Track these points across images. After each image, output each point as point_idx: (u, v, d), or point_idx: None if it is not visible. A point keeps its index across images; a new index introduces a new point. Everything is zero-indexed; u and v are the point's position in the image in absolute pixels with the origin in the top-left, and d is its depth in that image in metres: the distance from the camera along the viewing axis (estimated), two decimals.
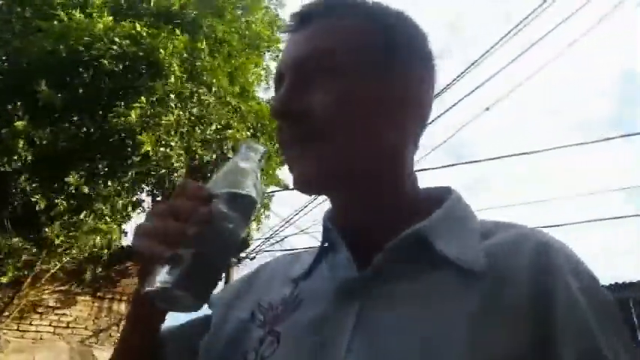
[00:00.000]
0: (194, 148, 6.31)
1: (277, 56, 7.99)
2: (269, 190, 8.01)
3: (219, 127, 6.47)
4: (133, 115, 5.66)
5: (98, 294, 8.47)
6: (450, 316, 0.59)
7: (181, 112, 6.08)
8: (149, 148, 5.74)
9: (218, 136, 6.50)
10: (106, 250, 6.59)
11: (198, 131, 6.31)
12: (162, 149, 5.93)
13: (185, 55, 6.16)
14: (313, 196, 9.88)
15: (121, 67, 5.86)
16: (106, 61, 5.76)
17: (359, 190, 0.71)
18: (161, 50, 5.84)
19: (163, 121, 5.87)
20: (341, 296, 0.67)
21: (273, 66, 8.13)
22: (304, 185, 0.71)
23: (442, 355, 0.56)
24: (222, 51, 6.76)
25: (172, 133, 6.00)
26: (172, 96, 5.99)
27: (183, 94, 6.12)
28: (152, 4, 6.63)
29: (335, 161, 0.67)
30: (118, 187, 6.23)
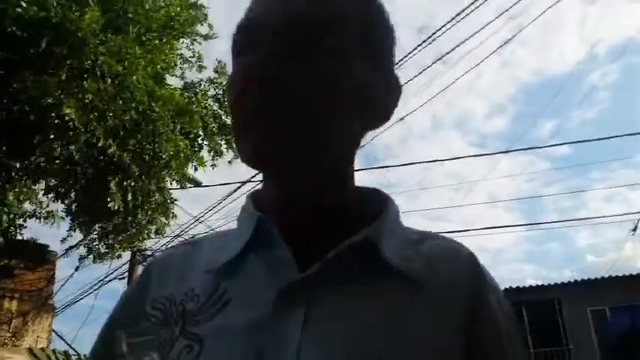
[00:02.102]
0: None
1: (194, 41, 7.84)
2: (179, 187, 7.79)
3: (139, 109, 6.17)
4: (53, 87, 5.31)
5: None
6: (396, 324, 0.59)
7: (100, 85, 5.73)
8: (73, 117, 5.37)
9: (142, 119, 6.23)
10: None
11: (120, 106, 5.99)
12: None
13: (98, 30, 5.79)
14: (224, 194, 9.75)
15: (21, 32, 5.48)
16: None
17: (314, 178, 0.66)
18: (74, 20, 5.47)
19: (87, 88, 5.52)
20: (281, 300, 0.59)
21: (187, 54, 7.98)
22: (261, 158, 0.63)
23: None
24: (133, 30, 6.42)
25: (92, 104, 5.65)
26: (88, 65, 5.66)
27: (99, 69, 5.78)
28: None
29: (305, 138, 0.61)
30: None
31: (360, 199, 0.70)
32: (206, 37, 7.76)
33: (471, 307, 0.62)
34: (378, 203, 0.70)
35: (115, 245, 7.42)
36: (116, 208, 6.14)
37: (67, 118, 5.37)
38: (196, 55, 7.80)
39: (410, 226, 0.74)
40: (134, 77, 6.00)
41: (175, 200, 7.60)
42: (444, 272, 0.64)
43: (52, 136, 5.67)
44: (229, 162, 7.75)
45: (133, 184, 6.42)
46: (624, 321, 14.66)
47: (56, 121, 5.53)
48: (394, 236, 0.66)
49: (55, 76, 5.46)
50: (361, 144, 0.74)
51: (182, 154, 6.71)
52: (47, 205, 6.91)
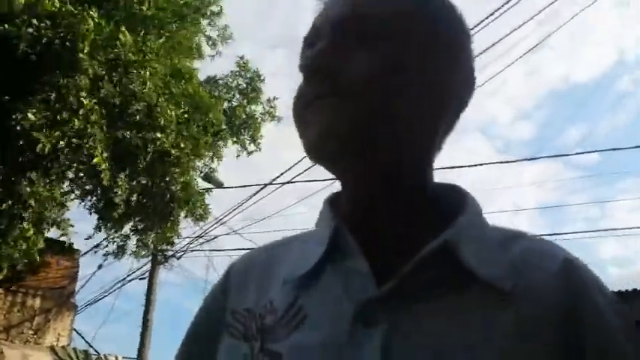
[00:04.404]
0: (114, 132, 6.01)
1: (211, 21, 7.90)
2: (204, 187, 7.82)
3: (144, 106, 6.15)
4: (31, 116, 5.25)
5: (11, 287, 7.95)
6: (485, 344, 0.54)
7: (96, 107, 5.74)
8: (48, 146, 5.35)
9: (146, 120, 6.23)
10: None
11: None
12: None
13: (105, 40, 5.82)
14: (248, 196, 9.81)
15: (34, 55, 5.47)
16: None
17: (385, 170, 0.63)
18: (80, 38, 5.47)
19: (76, 125, 5.52)
20: (358, 320, 0.56)
21: (213, 33, 8.07)
22: (323, 147, 0.61)
23: None
24: (152, 30, 6.47)
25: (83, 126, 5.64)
26: (84, 94, 5.63)
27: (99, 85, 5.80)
28: None
29: (367, 123, 0.59)
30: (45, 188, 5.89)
31: (438, 198, 0.65)
32: (219, 14, 7.87)
33: (568, 317, 0.56)
34: (457, 201, 0.65)
35: (149, 242, 7.44)
36: (123, 198, 6.14)
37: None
38: (220, 31, 7.88)
39: (496, 224, 0.68)
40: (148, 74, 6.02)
41: (208, 190, 7.63)
42: (534, 279, 0.58)
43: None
44: (249, 154, 7.83)
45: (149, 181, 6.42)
46: None
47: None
48: (477, 238, 0.61)
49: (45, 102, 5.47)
50: (440, 145, 0.69)
51: (192, 148, 6.68)
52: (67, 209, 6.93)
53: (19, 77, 5.57)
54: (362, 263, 0.58)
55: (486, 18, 6.73)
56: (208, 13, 7.80)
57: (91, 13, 5.66)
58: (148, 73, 6.07)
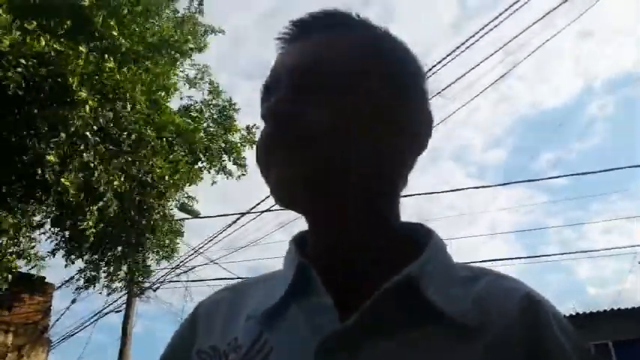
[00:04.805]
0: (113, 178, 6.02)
1: (190, 57, 7.98)
2: (180, 217, 7.78)
3: (133, 138, 6.20)
4: (52, 157, 5.32)
5: None
6: None
7: (99, 146, 5.80)
8: (72, 191, 5.41)
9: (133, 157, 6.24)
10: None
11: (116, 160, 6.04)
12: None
13: (92, 73, 5.85)
14: (226, 225, 9.70)
15: (23, 92, 5.49)
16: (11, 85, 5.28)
17: (348, 212, 0.64)
18: (69, 73, 5.51)
19: (85, 159, 5.56)
20: (321, 353, 0.57)
21: (191, 73, 8.14)
22: (284, 193, 0.63)
23: None
24: (129, 62, 6.51)
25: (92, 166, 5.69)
26: (88, 133, 5.70)
27: (97, 121, 5.83)
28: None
29: (327, 171, 0.61)
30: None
31: (403, 236, 0.67)
32: (200, 50, 7.92)
33: (530, 354, 0.57)
34: (422, 238, 0.66)
35: (120, 274, 7.35)
36: (91, 229, 6.10)
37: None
38: (201, 71, 7.96)
39: (461, 262, 0.69)
40: (130, 105, 6.05)
41: (183, 220, 7.60)
42: (496, 315, 0.59)
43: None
44: (237, 178, 7.86)
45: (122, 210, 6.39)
46: (628, 355, 14.42)
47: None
48: (440, 274, 0.62)
49: (55, 138, 5.51)
50: (405, 180, 0.71)
51: (178, 176, 6.68)
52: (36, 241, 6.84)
53: (16, 114, 5.60)
54: (325, 299, 0.59)
55: (457, 48, 6.93)
56: (189, 50, 7.84)
57: (80, 49, 5.73)
58: (130, 103, 6.10)
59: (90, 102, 5.60)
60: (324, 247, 0.66)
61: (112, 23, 6.46)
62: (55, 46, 5.62)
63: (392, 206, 0.68)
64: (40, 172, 5.48)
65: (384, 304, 0.57)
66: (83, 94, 5.54)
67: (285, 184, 0.62)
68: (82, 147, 5.69)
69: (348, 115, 0.62)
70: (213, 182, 7.94)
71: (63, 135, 5.48)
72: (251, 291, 0.72)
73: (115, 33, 6.45)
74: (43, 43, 5.52)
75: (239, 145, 8.07)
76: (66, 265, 7.18)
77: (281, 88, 0.65)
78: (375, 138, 0.63)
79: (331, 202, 0.63)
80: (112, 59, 6.03)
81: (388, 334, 0.57)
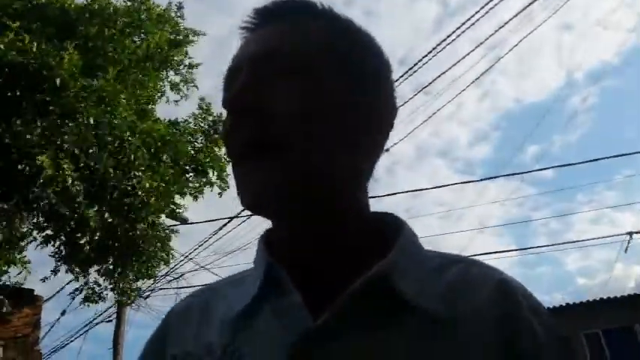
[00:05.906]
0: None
1: (177, 71, 7.91)
2: (169, 223, 7.70)
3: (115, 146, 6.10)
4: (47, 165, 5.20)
5: None
6: None
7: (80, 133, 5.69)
8: (50, 172, 5.28)
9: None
10: None
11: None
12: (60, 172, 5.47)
13: (77, 72, 5.77)
14: (211, 230, 9.63)
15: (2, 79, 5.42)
16: None
17: (317, 215, 0.63)
18: (54, 65, 5.43)
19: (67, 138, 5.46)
20: (294, 353, 0.56)
21: (175, 79, 8.05)
22: (256, 203, 0.62)
23: None
24: (114, 71, 6.42)
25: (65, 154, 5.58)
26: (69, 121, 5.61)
27: (78, 113, 5.74)
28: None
29: (294, 178, 0.59)
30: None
31: (374, 228, 0.67)
32: (190, 67, 7.83)
33: (504, 340, 0.57)
34: (393, 230, 0.66)
35: (119, 284, 7.26)
36: (87, 239, 6.01)
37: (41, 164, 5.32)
38: (186, 79, 7.85)
39: (433, 249, 0.69)
40: (114, 114, 5.95)
41: (175, 231, 7.52)
42: (469, 303, 0.59)
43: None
44: (219, 194, 7.72)
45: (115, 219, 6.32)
46: (618, 343, 14.58)
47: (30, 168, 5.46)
48: (412, 266, 0.62)
49: (33, 123, 5.40)
50: (371, 172, 0.70)
51: (163, 187, 6.59)
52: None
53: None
54: (296, 298, 0.59)
55: (438, 45, 6.98)
56: (173, 62, 7.77)
57: (69, 51, 5.67)
58: (117, 109, 6.03)
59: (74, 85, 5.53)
60: (291, 245, 0.65)
61: (105, 33, 6.39)
62: (42, 46, 5.56)
63: (359, 198, 0.67)
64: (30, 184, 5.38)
65: (356, 301, 0.57)
66: (71, 84, 5.49)
67: (255, 196, 0.61)
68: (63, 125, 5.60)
69: (310, 102, 0.61)
70: (195, 197, 7.73)
71: (42, 121, 5.40)
72: (223, 292, 0.72)
73: (99, 43, 6.39)
74: (27, 40, 5.45)
75: (222, 161, 8.03)
76: (50, 276, 7.09)
77: (242, 75, 0.64)
78: (338, 127, 0.62)
79: (300, 206, 0.62)
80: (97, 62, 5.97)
81: (361, 331, 0.57)
